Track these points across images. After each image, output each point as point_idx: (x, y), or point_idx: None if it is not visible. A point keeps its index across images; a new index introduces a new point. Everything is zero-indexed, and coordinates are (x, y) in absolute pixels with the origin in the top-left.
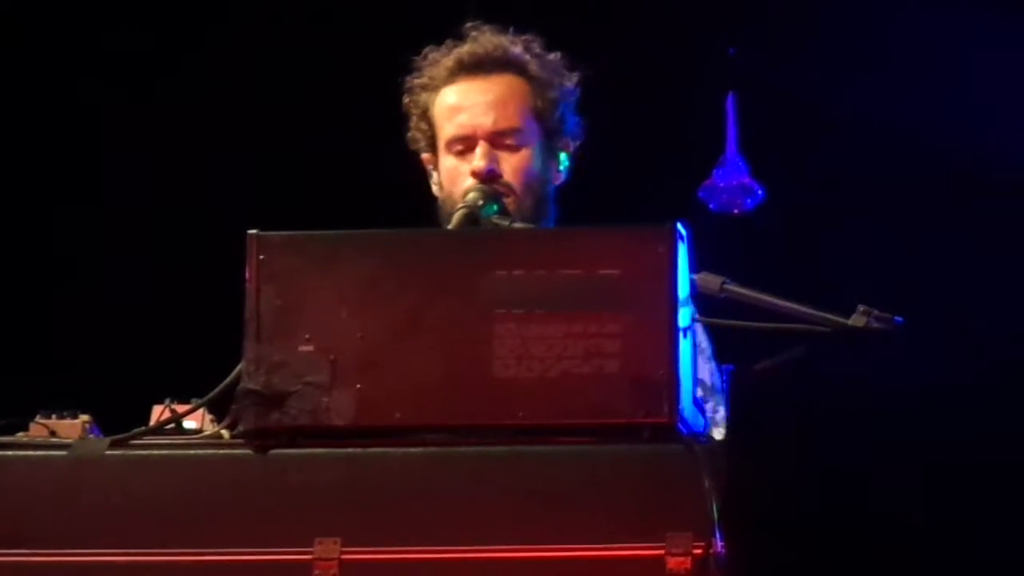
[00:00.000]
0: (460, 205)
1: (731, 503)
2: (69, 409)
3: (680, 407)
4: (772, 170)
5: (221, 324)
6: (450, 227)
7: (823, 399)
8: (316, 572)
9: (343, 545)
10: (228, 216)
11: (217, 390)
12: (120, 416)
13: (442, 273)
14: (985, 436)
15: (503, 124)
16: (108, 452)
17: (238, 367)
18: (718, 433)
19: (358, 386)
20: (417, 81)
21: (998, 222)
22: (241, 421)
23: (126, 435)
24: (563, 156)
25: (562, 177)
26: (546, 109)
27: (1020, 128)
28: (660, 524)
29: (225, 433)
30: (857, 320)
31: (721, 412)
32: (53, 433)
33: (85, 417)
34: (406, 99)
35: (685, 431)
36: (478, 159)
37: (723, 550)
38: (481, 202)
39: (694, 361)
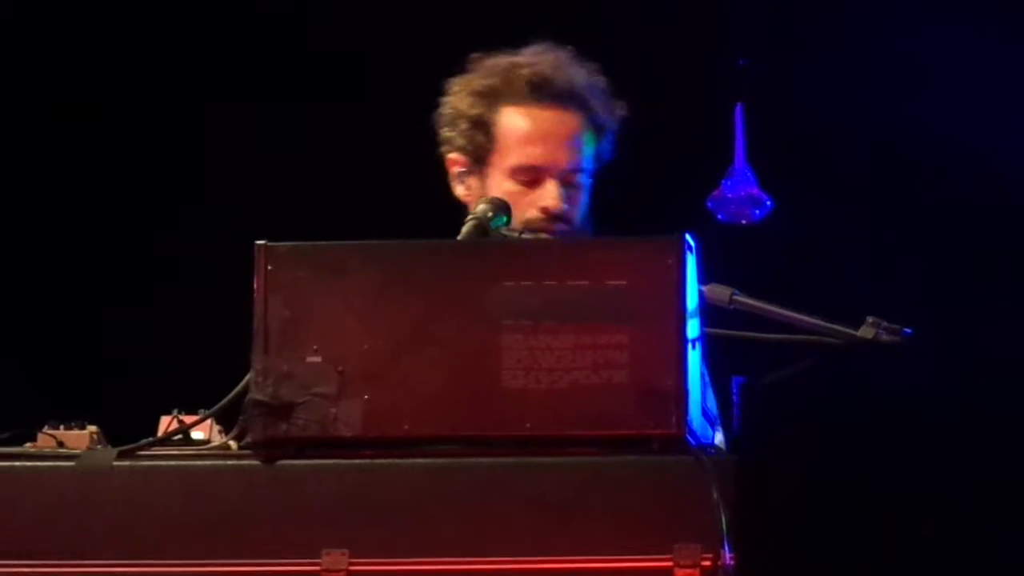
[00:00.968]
0: (470, 216)
1: (740, 515)
2: (77, 420)
3: (689, 418)
4: (781, 181)
5: (229, 334)
6: (459, 238)
7: (832, 410)
8: None
9: (351, 556)
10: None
11: (225, 401)
12: (127, 427)
13: (450, 284)
14: (995, 448)
15: (577, 163)
16: (116, 463)
17: (246, 378)
18: None
19: (366, 397)
20: (477, 85)
21: (1009, 235)
22: (249, 432)
23: (134, 446)
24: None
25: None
26: (599, 139)
27: None
28: (668, 536)
29: (233, 444)
30: (866, 332)
31: (719, 438)
32: (61, 444)
33: (93, 428)
34: (458, 98)
35: (694, 442)
36: (553, 198)
37: (732, 562)
38: (491, 214)
39: (703, 373)
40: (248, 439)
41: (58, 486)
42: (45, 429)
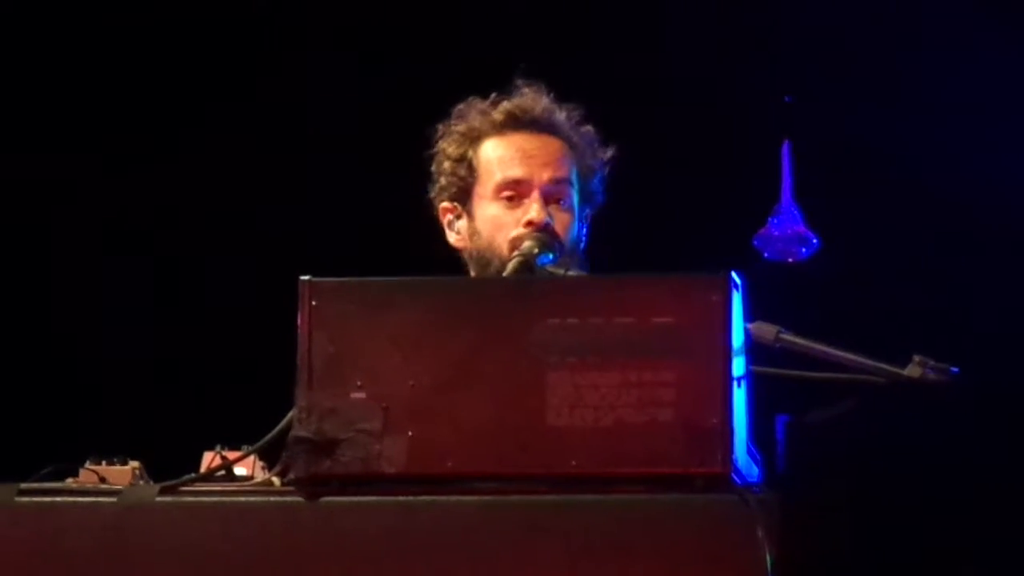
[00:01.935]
0: (516, 253)
1: (785, 554)
2: (119, 455)
3: (734, 457)
4: (827, 219)
5: (273, 370)
6: (504, 275)
7: (878, 450)
8: None
9: None
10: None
11: (268, 437)
12: (170, 463)
13: (495, 321)
14: None
15: (560, 176)
16: (158, 499)
17: (289, 414)
18: None
19: (410, 434)
20: (456, 128)
21: None
22: (292, 468)
23: (176, 482)
24: (586, 222)
25: (584, 242)
26: (584, 175)
27: None
28: (713, 575)
29: (276, 480)
30: (913, 370)
31: None
32: (103, 480)
33: (135, 464)
34: (440, 145)
35: (739, 481)
36: (536, 211)
37: None
38: (536, 250)
39: (748, 411)
40: (291, 475)
41: (100, 522)
42: (87, 464)
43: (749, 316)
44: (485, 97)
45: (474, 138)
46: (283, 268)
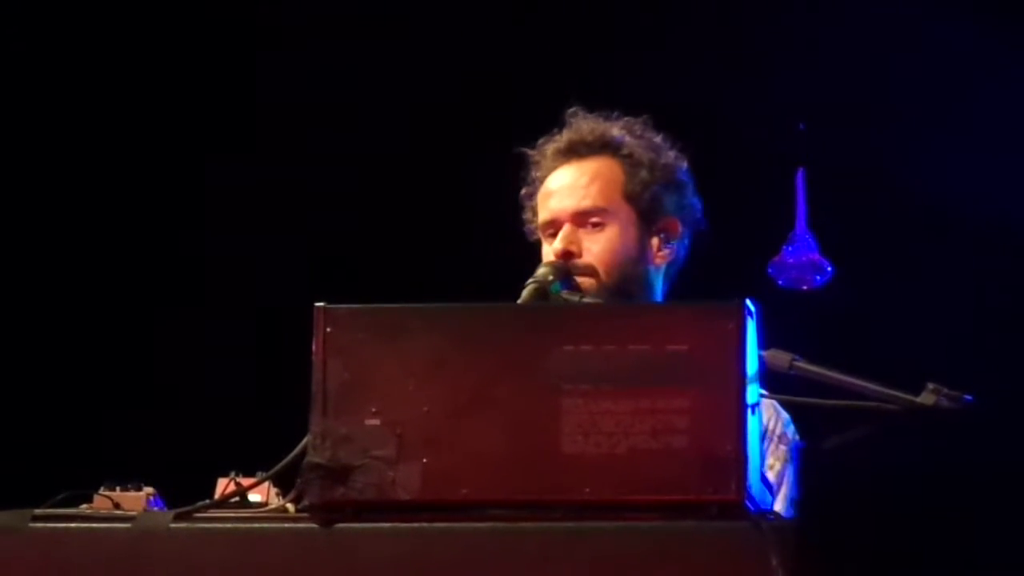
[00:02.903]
0: (530, 280)
1: None
2: (133, 481)
3: (748, 484)
4: (842, 247)
5: (287, 397)
6: (519, 301)
7: (892, 477)
8: None
9: None
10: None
11: (283, 463)
12: (184, 489)
13: (510, 347)
14: None
15: (586, 204)
16: (172, 525)
17: (304, 440)
18: None
19: (424, 460)
20: (532, 174)
21: None
22: (306, 495)
23: (190, 508)
24: (666, 236)
25: (670, 257)
26: (636, 189)
27: None
28: None
29: (290, 507)
30: (927, 398)
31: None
32: (117, 505)
33: (149, 489)
34: (522, 192)
35: (752, 508)
36: (557, 241)
37: None
38: (551, 277)
39: (762, 438)
40: (305, 502)
41: (114, 548)
42: (101, 490)
43: (763, 344)
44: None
45: (539, 178)
46: (299, 294)
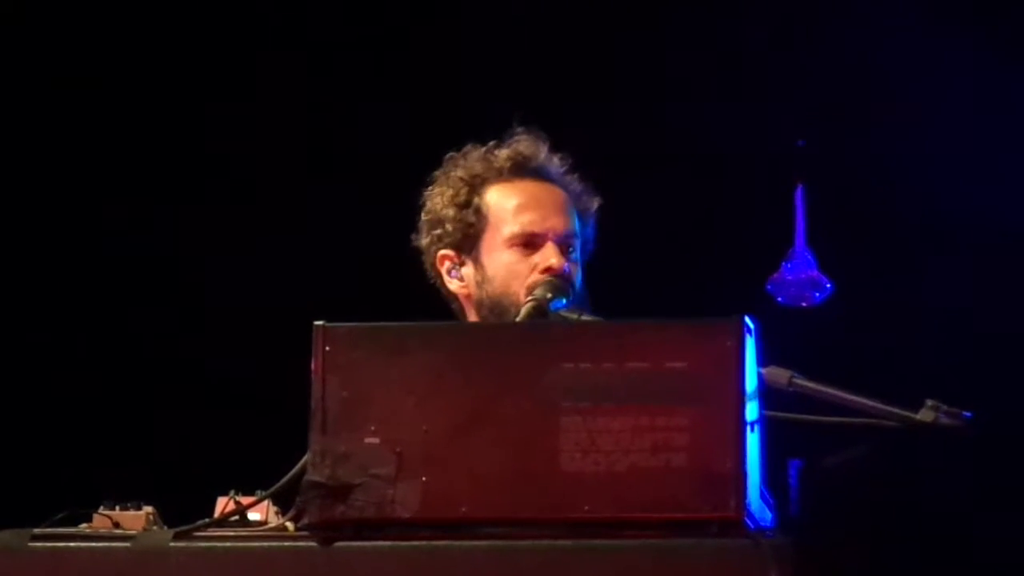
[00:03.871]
0: (529, 298)
1: None
2: (132, 500)
3: (747, 501)
4: (841, 264)
5: (286, 415)
6: (518, 319)
7: (891, 494)
8: None
9: None
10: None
11: (282, 482)
12: (184, 508)
13: (509, 366)
14: None
15: (569, 230)
16: (172, 544)
17: (303, 459)
18: None
19: (424, 478)
20: (457, 175)
21: None
22: (306, 513)
23: (190, 527)
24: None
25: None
26: (587, 236)
27: None
28: None
29: (290, 525)
30: (926, 415)
31: None
32: (117, 525)
33: (149, 508)
34: (435, 191)
35: (752, 526)
36: (555, 256)
37: None
38: (550, 295)
39: (762, 456)
40: (305, 520)
41: (114, 567)
42: (101, 509)
43: (762, 361)
44: (482, 144)
45: (478, 184)
46: (297, 312)
